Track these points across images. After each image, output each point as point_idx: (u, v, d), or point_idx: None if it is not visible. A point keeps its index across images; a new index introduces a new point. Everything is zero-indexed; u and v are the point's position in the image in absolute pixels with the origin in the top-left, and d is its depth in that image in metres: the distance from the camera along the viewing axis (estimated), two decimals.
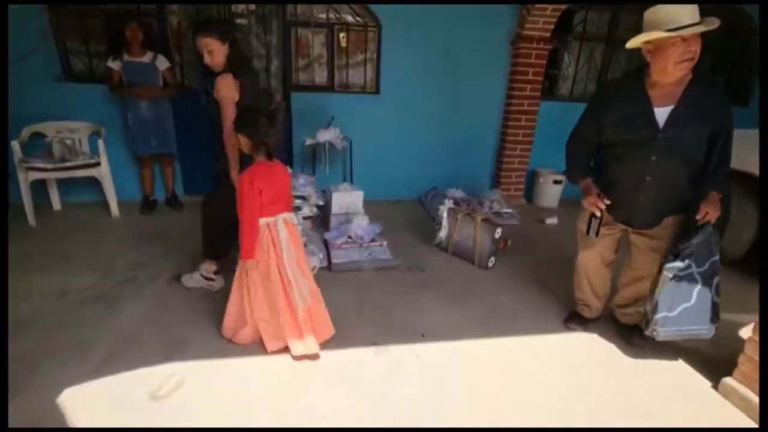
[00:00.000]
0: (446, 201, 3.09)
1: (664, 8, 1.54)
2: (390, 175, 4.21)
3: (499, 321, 2.26)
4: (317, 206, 3.23)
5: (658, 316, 1.74)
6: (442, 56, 3.89)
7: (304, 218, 3.15)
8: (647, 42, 1.59)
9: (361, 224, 3.05)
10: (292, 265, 1.76)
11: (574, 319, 2.19)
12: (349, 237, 2.98)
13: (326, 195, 3.29)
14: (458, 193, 3.99)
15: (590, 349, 2.07)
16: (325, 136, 3.39)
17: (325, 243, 3.01)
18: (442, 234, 3.06)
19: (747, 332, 1.69)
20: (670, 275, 1.69)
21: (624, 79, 1.72)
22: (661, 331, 1.76)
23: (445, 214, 3.03)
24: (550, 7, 3.59)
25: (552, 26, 3.78)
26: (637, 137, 1.68)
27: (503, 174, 4.32)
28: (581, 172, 1.82)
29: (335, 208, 3.20)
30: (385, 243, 3.03)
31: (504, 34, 3.93)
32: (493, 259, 2.84)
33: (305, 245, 2.79)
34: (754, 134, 2.45)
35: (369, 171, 3.92)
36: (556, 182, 4.22)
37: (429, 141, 4.20)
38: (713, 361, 1.92)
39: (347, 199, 3.20)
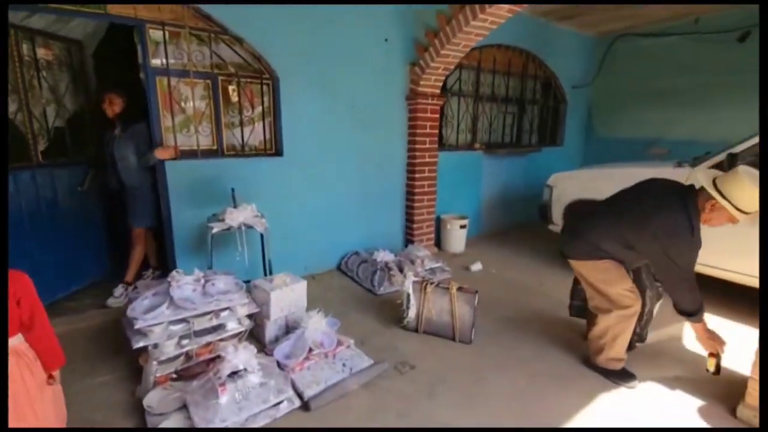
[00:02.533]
0: (408, 275, 2.70)
1: (756, 195, 1.73)
2: (301, 248, 3.53)
3: (542, 409, 2.00)
4: (249, 316, 2.35)
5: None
6: (348, 109, 3.56)
7: (230, 337, 2.24)
8: (713, 198, 1.82)
9: (319, 326, 2.35)
10: None
11: (624, 375, 2.19)
12: (310, 349, 2.24)
13: (253, 296, 2.44)
14: (387, 255, 3.67)
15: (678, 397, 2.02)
16: (238, 217, 2.53)
17: (278, 367, 2.17)
18: (412, 313, 2.64)
19: (748, 358, 1.91)
20: None
21: (697, 221, 1.90)
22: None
23: (410, 290, 2.63)
24: (442, 66, 3.75)
25: (441, 83, 3.96)
26: None
27: (415, 226, 4.21)
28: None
29: (275, 312, 2.38)
30: (352, 342, 2.41)
31: (400, 90, 3.90)
32: (473, 330, 2.58)
33: (259, 384, 1.94)
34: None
35: (277, 247, 3.14)
36: (462, 227, 4.36)
37: (339, 202, 3.74)
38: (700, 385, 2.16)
39: (289, 296, 2.43)
